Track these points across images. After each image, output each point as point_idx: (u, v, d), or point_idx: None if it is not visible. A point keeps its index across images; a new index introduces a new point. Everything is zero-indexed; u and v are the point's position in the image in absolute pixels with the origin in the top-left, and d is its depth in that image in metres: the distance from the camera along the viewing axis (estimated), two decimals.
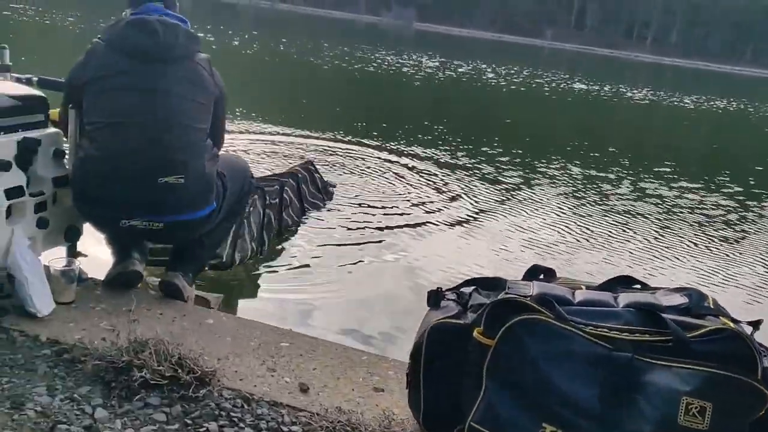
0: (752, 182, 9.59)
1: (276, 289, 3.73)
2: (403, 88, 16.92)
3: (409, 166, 7.34)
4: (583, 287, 2.11)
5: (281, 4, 79.47)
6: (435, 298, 2.14)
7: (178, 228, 2.67)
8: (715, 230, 6.40)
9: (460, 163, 8.02)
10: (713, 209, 7.30)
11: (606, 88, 24.57)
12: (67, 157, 2.73)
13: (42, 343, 2.30)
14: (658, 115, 19.03)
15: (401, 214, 5.38)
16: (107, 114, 2.60)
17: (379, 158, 7.50)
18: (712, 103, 24.73)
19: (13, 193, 2.45)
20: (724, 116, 20.89)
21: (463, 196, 6.39)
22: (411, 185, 6.45)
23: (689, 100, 24.56)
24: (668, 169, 9.57)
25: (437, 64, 25.06)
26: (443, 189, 6.51)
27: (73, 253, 2.82)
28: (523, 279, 2.20)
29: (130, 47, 2.64)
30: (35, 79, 3.06)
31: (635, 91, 25.49)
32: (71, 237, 2.76)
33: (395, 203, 5.75)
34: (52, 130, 2.66)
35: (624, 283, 2.17)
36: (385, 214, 5.35)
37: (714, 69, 74.18)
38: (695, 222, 6.62)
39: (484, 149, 9.16)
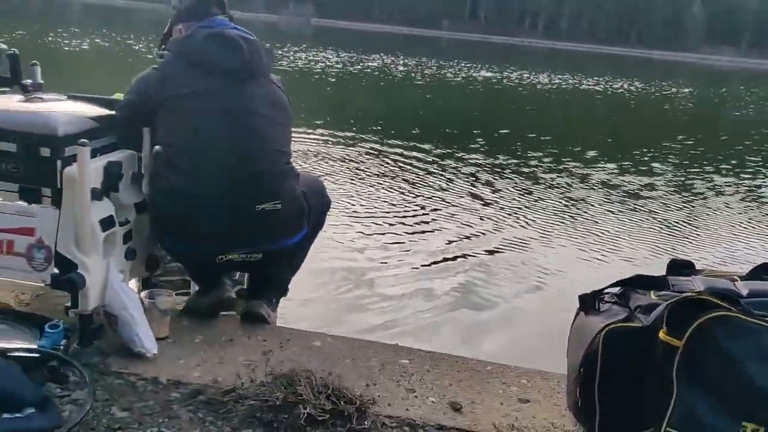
0: None
1: (333, 298, 3.59)
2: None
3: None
4: (737, 278, 2.10)
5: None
6: (591, 301, 2.08)
7: (276, 256, 2.49)
8: None
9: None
10: None
11: (515, 75, 25.12)
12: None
13: (165, 386, 2.11)
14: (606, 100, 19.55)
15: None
16: (192, 137, 2.39)
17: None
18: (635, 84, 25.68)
19: (106, 223, 2.23)
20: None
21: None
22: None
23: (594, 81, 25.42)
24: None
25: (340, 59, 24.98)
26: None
27: (147, 285, 2.62)
28: (667, 274, 2.18)
29: (211, 64, 2.43)
30: (64, 97, 2.79)
31: (543, 77, 26.15)
32: (151, 267, 2.55)
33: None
34: (128, 151, 2.44)
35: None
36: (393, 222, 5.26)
37: (605, 51, 77.27)
38: None
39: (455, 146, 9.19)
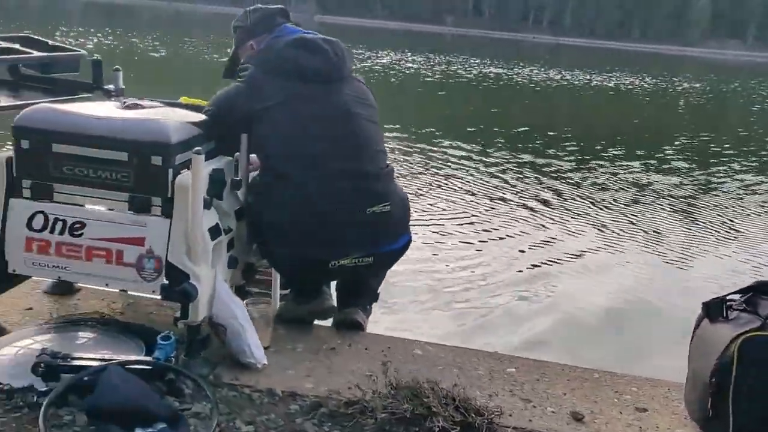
0: None
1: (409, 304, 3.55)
2: None
3: None
4: None
5: (178, 3, 77.36)
6: (718, 308, 2.04)
7: (385, 259, 2.45)
8: None
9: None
10: None
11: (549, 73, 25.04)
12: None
13: (281, 398, 2.07)
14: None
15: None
16: (295, 144, 2.35)
17: None
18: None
19: (213, 232, 2.19)
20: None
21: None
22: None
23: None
24: None
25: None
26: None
27: (240, 293, 2.57)
28: None
29: (299, 69, 2.39)
30: (158, 102, 2.74)
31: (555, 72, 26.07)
32: (248, 275, 2.52)
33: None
34: (226, 158, 2.41)
35: None
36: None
37: (608, 46, 77.11)
38: None
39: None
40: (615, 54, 59.52)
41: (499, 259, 4.46)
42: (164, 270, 2.11)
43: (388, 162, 2.49)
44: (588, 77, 24.94)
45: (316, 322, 2.61)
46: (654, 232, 5.67)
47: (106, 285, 2.17)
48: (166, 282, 2.10)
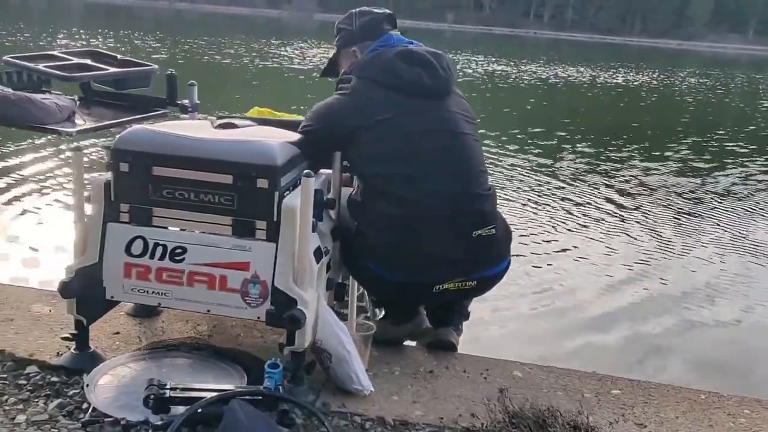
0: None
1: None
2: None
3: None
4: None
5: (179, 3, 77.23)
6: None
7: (487, 283, 2.39)
8: None
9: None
10: None
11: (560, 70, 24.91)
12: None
13: (394, 426, 2.02)
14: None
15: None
16: (402, 163, 2.25)
17: None
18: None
19: (317, 255, 2.14)
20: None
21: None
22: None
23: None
24: None
25: None
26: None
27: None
28: None
29: (406, 84, 2.32)
30: (249, 121, 2.67)
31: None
32: (340, 296, 2.45)
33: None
34: (321, 177, 2.34)
35: None
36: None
37: (609, 41, 76.89)
38: None
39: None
40: (616, 48, 59.31)
41: (580, 275, 4.38)
42: (270, 295, 2.05)
43: (490, 183, 2.42)
44: (594, 73, 24.77)
45: (406, 342, 2.54)
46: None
47: (208, 311, 2.12)
48: (272, 307, 2.04)
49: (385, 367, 2.34)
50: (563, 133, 10.18)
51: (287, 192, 2.09)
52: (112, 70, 2.73)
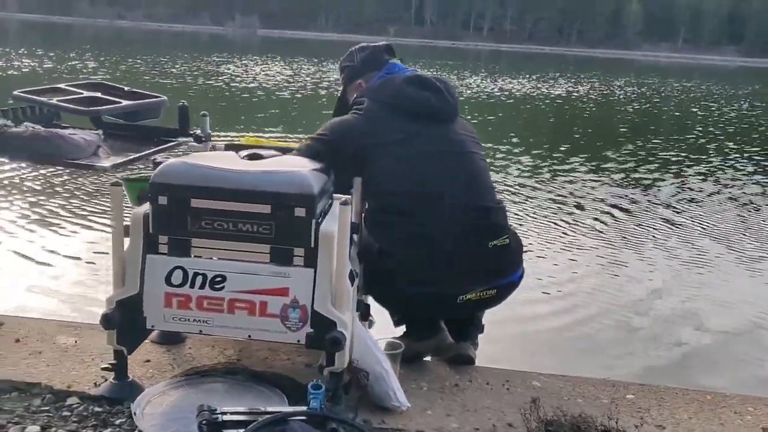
0: None
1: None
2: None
3: None
4: None
5: (121, 21, 76.00)
6: None
7: (505, 291, 2.52)
8: None
9: None
10: None
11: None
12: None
13: None
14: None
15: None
16: (416, 183, 2.40)
17: None
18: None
19: (351, 278, 2.23)
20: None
21: None
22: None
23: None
24: None
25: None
26: None
27: None
28: None
29: (416, 107, 2.47)
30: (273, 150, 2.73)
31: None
32: (366, 315, 2.55)
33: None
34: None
35: None
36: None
37: (547, 51, 78.65)
38: None
39: None
40: (554, 58, 60.62)
41: (582, 284, 4.54)
42: (309, 319, 2.13)
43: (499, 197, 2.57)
44: (541, 85, 25.31)
45: (426, 358, 2.65)
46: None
47: (249, 336, 2.19)
48: (312, 330, 2.13)
49: (413, 383, 2.44)
50: (511, 147, 10.43)
51: (321, 219, 2.18)
52: (126, 102, 2.78)
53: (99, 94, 2.86)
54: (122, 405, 2.16)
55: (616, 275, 4.81)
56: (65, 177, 6.53)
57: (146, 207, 2.17)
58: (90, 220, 5.37)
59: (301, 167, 2.25)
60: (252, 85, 18.06)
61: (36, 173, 6.61)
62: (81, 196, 6.04)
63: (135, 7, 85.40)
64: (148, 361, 2.46)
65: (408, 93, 2.48)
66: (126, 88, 3.01)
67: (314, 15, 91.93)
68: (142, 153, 2.53)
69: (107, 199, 5.80)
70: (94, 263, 4.39)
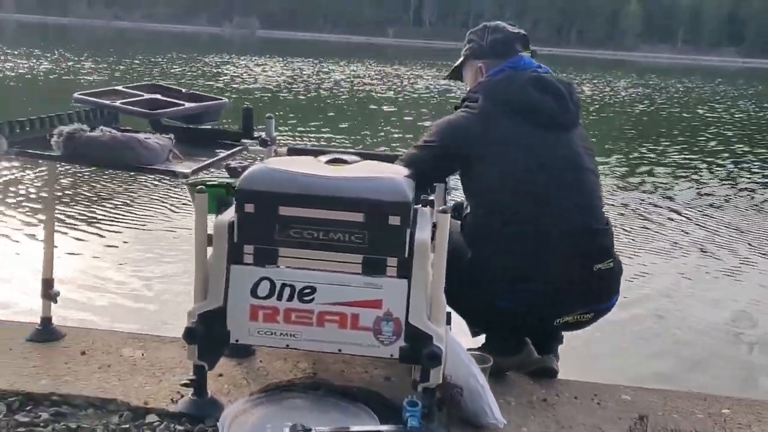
0: None
1: None
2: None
3: None
4: None
5: (119, 22, 75.82)
6: None
7: (599, 315, 2.38)
8: None
9: None
10: None
11: None
12: None
13: None
14: None
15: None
16: (529, 194, 2.26)
17: None
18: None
19: None
20: None
21: None
22: None
23: None
24: None
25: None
26: None
27: None
28: None
29: (536, 113, 2.30)
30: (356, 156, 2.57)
31: None
32: (449, 325, 2.44)
33: None
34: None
35: None
36: None
37: (546, 52, 78.67)
38: None
39: None
40: (554, 59, 60.56)
41: (666, 292, 4.45)
42: (403, 332, 2.03)
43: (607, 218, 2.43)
44: None
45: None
46: None
47: (339, 350, 2.09)
48: (406, 344, 2.03)
49: (500, 398, 2.33)
50: None
51: (413, 227, 2.08)
52: (189, 105, 2.67)
53: (159, 96, 2.76)
54: (204, 423, 2.06)
55: (690, 281, 4.72)
56: (127, 182, 6.42)
57: (230, 215, 2.06)
58: (141, 226, 5.27)
59: (393, 173, 2.15)
60: (253, 86, 17.95)
61: (99, 177, 6.49)
62: (137, 202, 5.95)
63: (132, 7, 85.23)
64: (221, 375, 2.36)
65: (529, 96, 2.31)
66: (184, 90, 2.91)
67: (313, 16, 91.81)
68: (216, 157, 2.43)
69: (158, 205, 5.74)
70: (143, 270, 4.33)
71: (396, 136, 10.96)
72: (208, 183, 2.28)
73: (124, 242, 4.94)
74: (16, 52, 23.99)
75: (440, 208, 2.00)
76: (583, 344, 3.30)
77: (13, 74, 17.21)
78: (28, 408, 2.11)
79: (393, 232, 2.02)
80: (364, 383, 2.36)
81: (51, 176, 2.52)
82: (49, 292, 2.53)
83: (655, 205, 6.98)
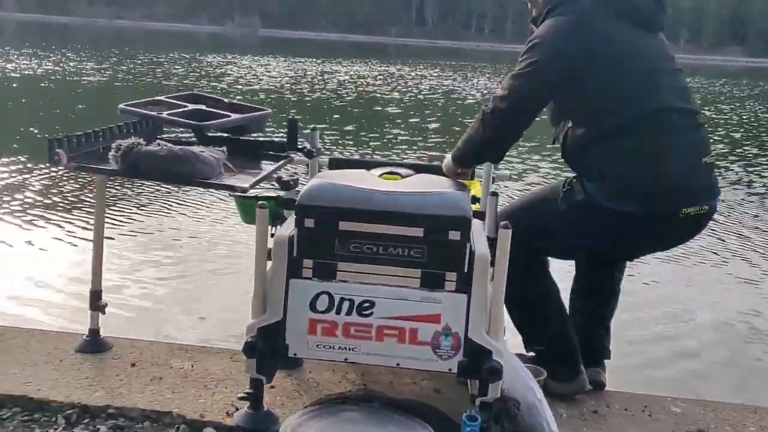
0: None
1: None
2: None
3: None
4: None
5: (120, 21, 75.80)
6: None
7: (712, 213, 2.32)
8: None
9: None
10: None
11: None
12: None
13: None
14: None
15: None
16: (644, 96, 2.23)
17: None
18: None
19: None
20: None
21: None
22: None
23: None
24: None
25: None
26: None
27: None
28: None
29: (640, 15, 2.27)
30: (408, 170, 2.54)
31: None
32: None
33: None
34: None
35: None
36: None
37: None
38: None
39: None
40: None
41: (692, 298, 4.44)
42: (462, 347, 2.04)
43: None
44: None
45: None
46: None
47: (397, 364, 2.09)
48: (464, 359, 2.04)
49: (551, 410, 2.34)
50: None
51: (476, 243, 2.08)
52: (235, 116, 2.68)
53: (203, 107, 2.76)
54: None
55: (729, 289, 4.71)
56: (172, 193, 6.40)
57: (289, 229, 2.07)
58: (184, 236, 5.26)
59: (449, 188, 2.16)
60: (257, 86, 17.97)
61: (144, 188, 6.47)
62: (182, 213, 5.94)
63: (133, 6, 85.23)
64: (273, 387, 2.37)
65: None
66: (226, 100, 2.92)
67: (314, 15, 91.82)
68: (269, 170, 2.43)
69: (202, 216, 5.73)
70: (184, 280, 4.35)
71: (403, 138, 10.95)
72: (261, 196, 2.29)
73: (165, 253, 4.90)
74: (19, 52, 23.99)
75: (502, 222, 2.00)
76: (625, 356, 3.32)
77: (17, 75, 17.21)
78: (85, 421, 2.13)
79: (453, 247, 2.03)
80: (414, 395, 2.37)
81: (100, 189, 2.53)
82: (97, 304, 2.54)
83: None
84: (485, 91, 19.47)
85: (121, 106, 2.65)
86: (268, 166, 2.59)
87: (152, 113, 2.58)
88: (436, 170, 2.52)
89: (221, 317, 3.67)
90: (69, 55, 24.94)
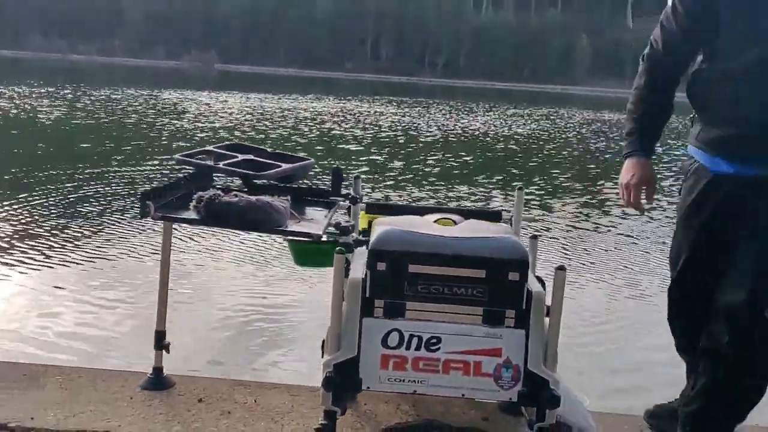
0: None
1: None
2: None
3: None
4: None
5: (75, 56, 75.02)
6: None
7: None
8: None
9: None
10: None
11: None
12: None
13: None
14: None
15: None
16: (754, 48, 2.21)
17: None
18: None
19: None
20: None
21: None
22: None
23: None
24: None
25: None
26: None
27: None
28: None
29: None
30: (458, 217, 2.63)
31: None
32: None
33: None
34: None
35: None
36: None
37: (500, 87, 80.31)
38: None
39: None
40: (507, 93, 61.73)
41: None
42: (522, 378, 2.25)
43: None
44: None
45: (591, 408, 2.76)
46: None
47: (462, 395, 2.29)
48: (524, 389, 2.25)
49: None
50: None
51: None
52: (286, 166, 2.87)
53: (252, 156, 2.95)
54: None
55: None
56: (228, 236, 6.36)
57: (361, 272, 2.27)
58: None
59: (502, 233, 2.39)
60: (217, 124, 17.99)
61: (201, 231, 6.37)
62: (226, 256, 5.94)
63: (89, 41, 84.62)
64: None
65: None
66: (269, 150, 3.11)
67: (271, 50, 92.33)
68: (327, 216, 2.63)
69: (244, 258, 5.78)
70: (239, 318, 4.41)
71: (367, 176, 11.07)
72: (324, 241, 2.49)
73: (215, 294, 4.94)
74: None
75: (557, 266, 2.23)
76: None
77: None
78: None
79: (512, 287, 2.25)
80: (465, 423, 2.55)
81: (167, 233, 2.69)
82: (162, 343, 2.68)
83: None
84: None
85: (177, 156, 2.83)
86: (316, 213, 2.79)
87: (213, 164, 2.76)
88: (482, 215, 2.75)
89: (275, 354, 3.81)
90: (19, 90, 24.59)
